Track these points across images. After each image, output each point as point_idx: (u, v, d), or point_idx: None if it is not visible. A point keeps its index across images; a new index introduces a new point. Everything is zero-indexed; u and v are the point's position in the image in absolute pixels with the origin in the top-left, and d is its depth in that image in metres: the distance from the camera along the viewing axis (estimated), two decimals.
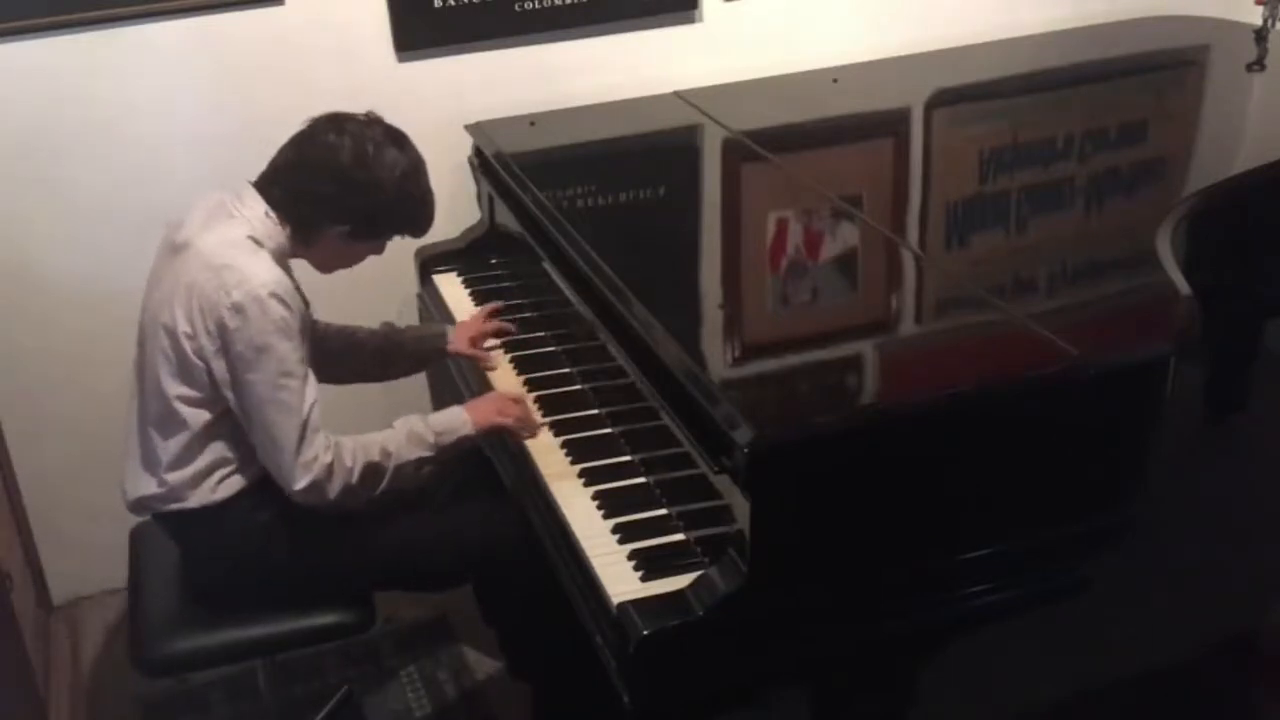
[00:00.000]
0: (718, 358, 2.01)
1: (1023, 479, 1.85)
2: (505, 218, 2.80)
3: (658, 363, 1.97)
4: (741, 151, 2.78)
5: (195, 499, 2.09)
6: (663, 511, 1.98)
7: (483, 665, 2.73)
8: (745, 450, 1.66)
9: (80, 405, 2.85)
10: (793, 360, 2.03)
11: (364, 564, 2.18)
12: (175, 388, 2.03)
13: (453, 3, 2.90)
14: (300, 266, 2.16)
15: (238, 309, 1.94)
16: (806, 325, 2.17)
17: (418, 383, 3.06)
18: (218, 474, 2.08)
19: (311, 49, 2.81)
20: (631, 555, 1.89)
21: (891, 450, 1.76)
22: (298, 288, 2.07)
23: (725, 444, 1.73)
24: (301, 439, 1.98)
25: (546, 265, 2.50)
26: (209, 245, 2.00)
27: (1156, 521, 1.96)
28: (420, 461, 2.13)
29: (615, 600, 1.78)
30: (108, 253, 2.77)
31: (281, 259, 2.07)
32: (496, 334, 2.54)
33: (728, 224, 2.50)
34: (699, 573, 1.77)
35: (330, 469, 2.01)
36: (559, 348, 2.50)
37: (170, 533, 2.19)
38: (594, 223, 2.47)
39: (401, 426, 2.14)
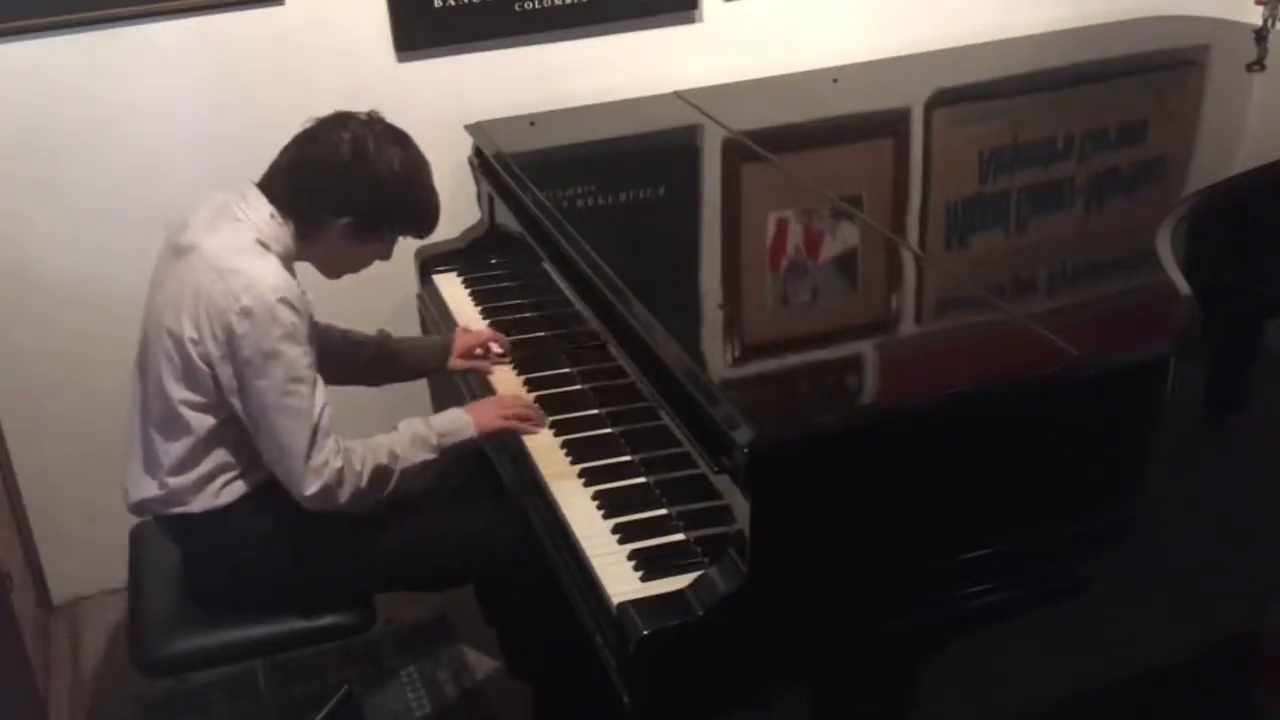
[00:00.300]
0: (718, 358, 2.01)
1: (1023, 479, 1.85)
2: (505, 218, 2.80)
3: (658, 363, 1.97)
4: (741, 151, 2.78)
5: (198, 503, 2.08)
6: (663, 511, 1.98)
7: (483, 665, 2.73)
8: (745, 450, 1.66)
9: (80, 405, 2.85)
10: (793, 360, 2.03)
11: (366, 567, 2.18)
12: (179, 392, 2.02)
13: (453, 3, 2.90)
14: (305, 271, 2.16)
15: (246, 314, 1.94)
16: (806, 325, 2.17)
17: (420, 385, 3.06)
18: (221, 479, 2.08)
19: (311, 49, 2.81)
20: (631, 555, 1.89)
21: (891, 450, 1.76)
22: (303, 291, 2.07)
23: (725, 444, 1.73)
24: (312, 444, 1.98)
25: (546, 265, 2.50)
26: (215, 248, 1.99)
27: (1156, 521, 1.96)
28: (425, 464, 2.13)
29: (615, 600, 1.78)
30: (108, 253, 2.77)
31: (288, 262, 2.06)
32: (493, 342, 2.52)
33: (728, 224, 2.50)
34: (699, 573, 1.77)
35: (341, 474, 2.01)
36: (559, 348, 2.50)
37: (172, 536, 2.18)
38: (594, 223, 2.47)
39: (405, 429, 2.14)
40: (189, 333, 1.98)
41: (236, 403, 2.00)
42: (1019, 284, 2.23)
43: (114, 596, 2.90)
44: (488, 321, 2.66)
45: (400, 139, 2.10)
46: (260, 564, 2.12)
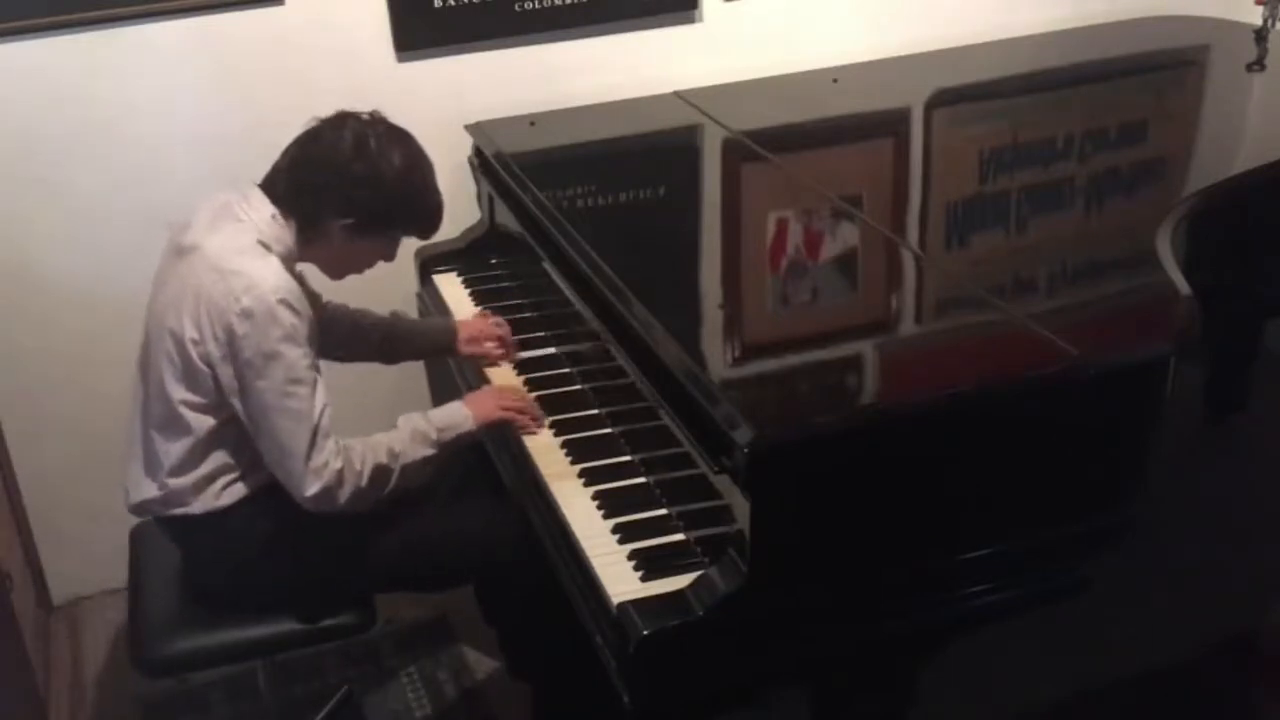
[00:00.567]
0: (718, 358, 2.01)
1: (1023, 479, 1.85)
2: (505, 218, 2.80)
3: (658, 363, 1.97)
4: (741, 151, 2.78)
5: (199, 504, 2.08)
6: (663, 511, 1.98)
7: (483, 665, 2.73)
8: (745, 450, 1.66)
9: (80, 405, 2.85)
10: (793, 360, 2.03)
11: (366, 568, 2.18)
12: (180, 392, 2.02)
13: (453, 3, 2.90)
14: (307, 271, 2.16)
15: (246, 315, 1.94)
16: (806, 325, 2.17)
17: (418, 381, 3.07)
18: (221, 480, 2.08)
19: (311, 49, 2.81)
20: (631, 555, 1.89)
21: (891, 450, 1.76)
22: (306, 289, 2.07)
23: (725, 444, 1.73)
24: (312, 445, 1.98)
25: (546, 265, 2.50)
26: (216, 249, 1.99)
27: (1156, 521, 1.96)
28: (425, 459, 2.13)
29: (615, 600, 1.78)
30: (108, 253, 2.77)
31: (290, 263, 2.06)
32: (498, 338, 2.52)
33: (728, 224, 2.50)
34: (699, 573, 1.77)
35: (341, 474, 2.01)
36: (559, 348, 2.51)
37: (172, 536, 2.18)
38: (594, 223, 2.47)
39: (405, 425, 2.14)
40: (190, 333, 1.98)
41: (237, 403, 2.00)
42: (1019, 284, 2.23)
43: (114, 596, 2.90)
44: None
45: (403, 139, 2.10)
46: (260, 565, 2.12)
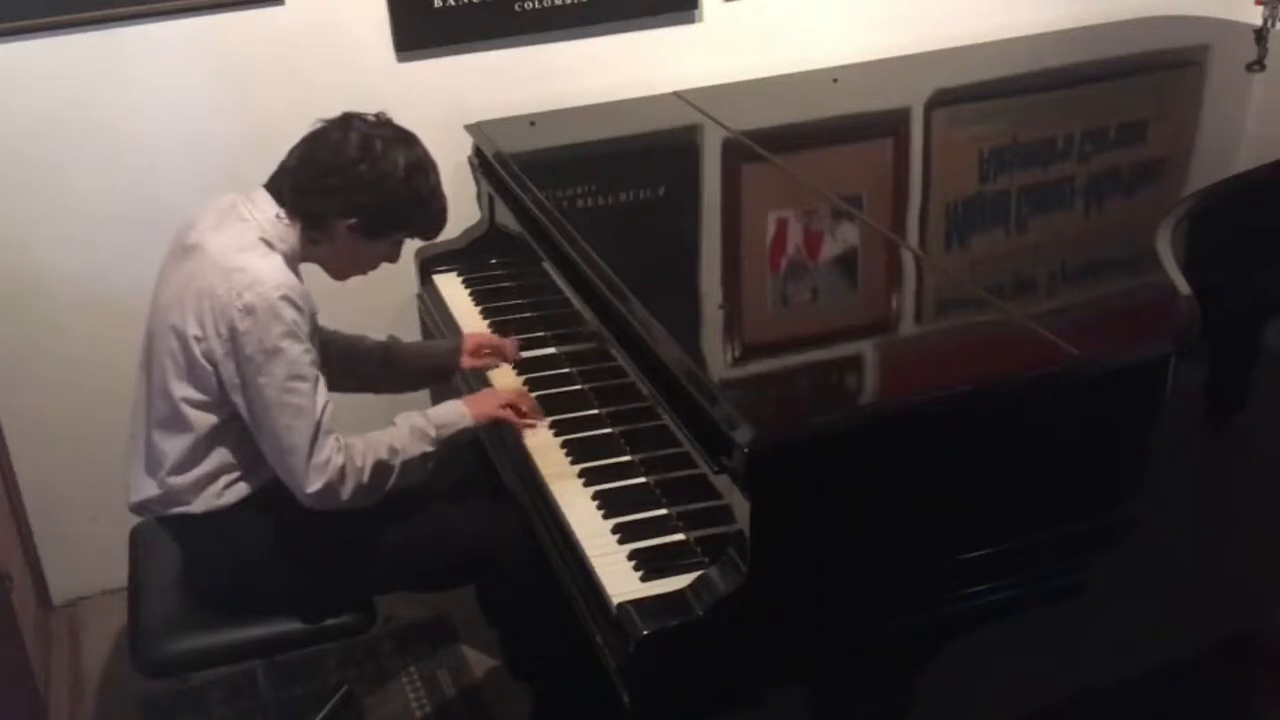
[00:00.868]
0: (718, 358, 2.01)
1: (1023, 479, 1.85)
2: (505, 218, 2.80)
3: (658, 363, 1.97)
4: (741, 151, 2.78)
5: (199, 503, 2.08)
6: (663, 511, 1.98)
7: (483, 665, 2.73)
8: (745, 450, 1.66)
9: (80, 405, 2.85)
10: (792, 360, 2.03)
11: (366, 568, 2.18)
12: (182, 390, 2.02)
13: (453, 3, 2.90)
14: (308, 271, 2.15)
15: (248, 311, 1.94)
16: (806, 325, 2.17)
17: None
18: (222, 480, 2.08)
19: (311, 49, 2.81)
20: (631, 555, 1.89)
21: (891, 450, 1.76)
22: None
23: (725, 444, 1.73)
24: (314, 442, 1.98)
25: (546, 265, 2.50)
26: (220, 247, 2.00)
27: (1156, 521, 1.96)
28: (424, 456, 2.13)
29: (615, 600, 1.78)
30: (108, 253, 2.77)
31: (293, 262, 2.07)
32: (499, 349, 2.51)
33: (728, 224, 2.50)
34: (699, 573, 1.77)
35: (343, 471, 2.01)
36: (559, 348, 2.51)
37: (173, 536, 2.18)
38: (594, 223, 2.47)
39: (404, 422, 2.14)
40: (193, 330, 1.98)
41: (239, 400, 2.00)
42: (1019, 284, 2.23)
43: (114, 596, 2.90)
44: (488, 322, 2.66)
45: (408, 140, 2.10)
46: (261, 565, 2.12)
